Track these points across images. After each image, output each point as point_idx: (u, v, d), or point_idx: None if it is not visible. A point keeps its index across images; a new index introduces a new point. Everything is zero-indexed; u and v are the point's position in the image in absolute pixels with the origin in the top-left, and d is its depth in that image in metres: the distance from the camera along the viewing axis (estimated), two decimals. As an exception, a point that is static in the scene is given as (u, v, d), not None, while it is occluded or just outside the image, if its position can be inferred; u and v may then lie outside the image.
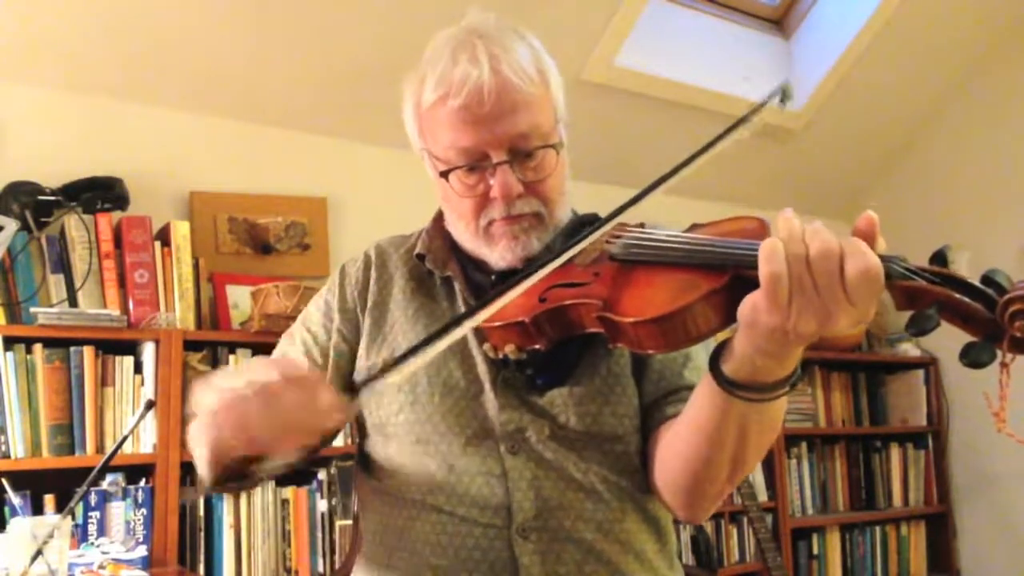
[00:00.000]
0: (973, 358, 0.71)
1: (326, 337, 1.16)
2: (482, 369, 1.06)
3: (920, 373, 3.68)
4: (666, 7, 3.10)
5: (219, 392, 0.79)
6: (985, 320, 0.72)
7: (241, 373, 0.80)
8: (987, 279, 0.72)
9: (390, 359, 0.86)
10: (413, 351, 0.85)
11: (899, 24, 3.21)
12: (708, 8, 3.25)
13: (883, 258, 0.73)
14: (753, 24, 3.37)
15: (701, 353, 1.11)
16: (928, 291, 0.73)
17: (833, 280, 0.72)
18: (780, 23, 3.46)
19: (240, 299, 2.46)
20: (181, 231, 2.35)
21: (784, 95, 0.91)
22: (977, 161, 3.64)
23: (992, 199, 3.58)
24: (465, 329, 0.88)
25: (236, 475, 0.98)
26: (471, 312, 0.87)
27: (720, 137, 0.90)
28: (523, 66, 1.02)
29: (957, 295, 0.72)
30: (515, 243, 1.05)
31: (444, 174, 1.05)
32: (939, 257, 0.75)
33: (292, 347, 1.17)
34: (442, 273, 1.13)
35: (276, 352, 1.19)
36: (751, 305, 0.77)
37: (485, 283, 1.11)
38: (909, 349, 3.67)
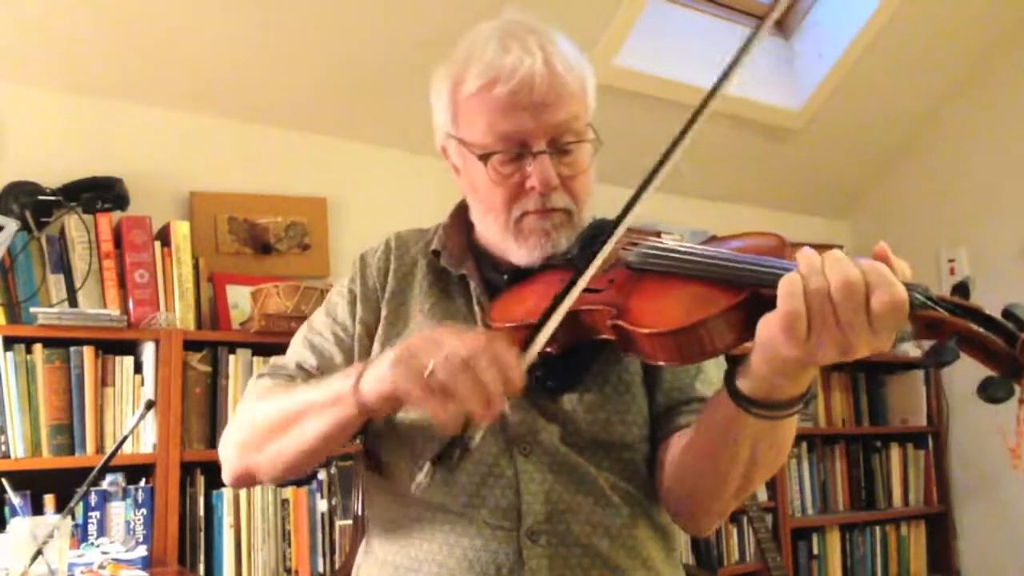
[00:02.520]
0: (991, 393, 0.71)
1: (353, 327, 1.15)
2: None
3: (920, 373, 3.67)
4: (666, 7, 3.10)
5: (423, 370, 0.81)
6: (1004, 355, 0.71)
7: (435, 344, 0.82)
8: (1008, 313, 0.72)
9: None
10: (546, 317, 0.86)
11: (899, 24, 3.21)
12: (708, 8, 3.25)
13: (904, 286, 0.73)
14: (753, 24, 3.36)
15: (713, 366, 1.11)
16: (949, 323, 0.72)
17: (857, 313, 0.72)
18: (780, 23, 3.46)
19: (240, 299, 2.46)
20: (181, 231, 2.35)
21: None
22: (977, 161, 3.64)
23: (992, 199, 3.57)
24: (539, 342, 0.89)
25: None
26: (545, 318, 0.88)
27: (742, 50, 0.88)
28: (570, 61, 1.04)
29: (976, 327, 0.71)
30: (546, 240, 1.05)
31: (484, 158, 1.04)
32: (961, 288, 0.74)
33: (321, 339, 1.15)
34: (457, 271, 1.13)
35: (296, 346, 1.17)
36: (770, 336, 0.77)
37: (499, 282, 1.10)
38: (909, 349, 3.67)
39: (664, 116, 3.21)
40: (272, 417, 1.05)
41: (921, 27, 3.29)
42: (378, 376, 0.87)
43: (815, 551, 3.33)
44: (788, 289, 0.74)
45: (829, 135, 3.58)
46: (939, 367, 0.73)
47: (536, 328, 0.87)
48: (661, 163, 0.89)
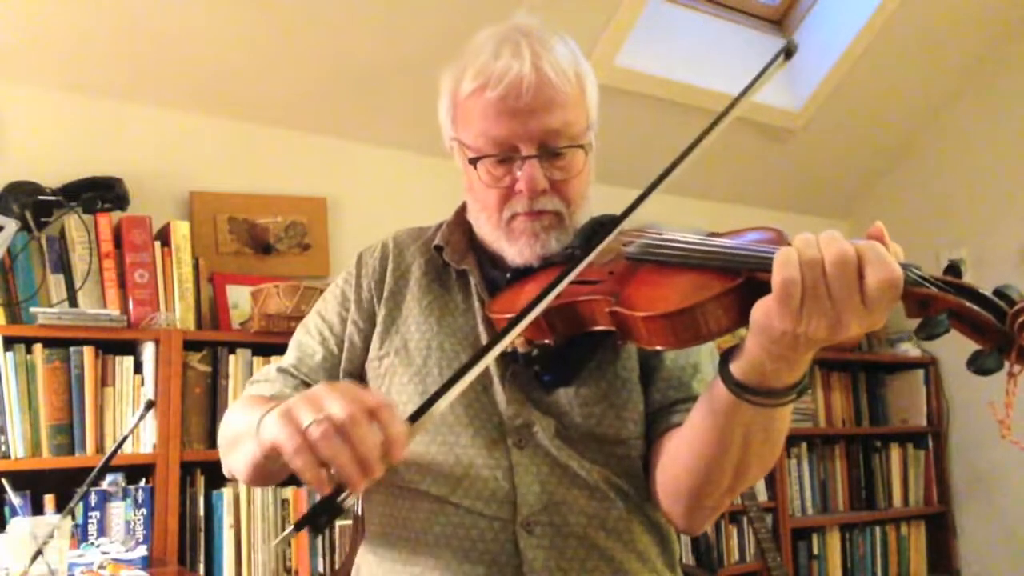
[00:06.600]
0: (980, 365, 0.72)
1: (341, 327, 1.17)
2: (492, 362, 1.06)
3: (920, 373, 3.68)
4: (666, 7, 3.10)
5: (300, 428, 0.77)
6: (994, 330, 0.72)
7: (317, 402, 0.78)
8: (999, 292, 0.73)
9: (434, 392, 0.84)
10: (449, 384, 0.83)
11: (899, 24, 3.21)
12: (708, 8, 3.25)
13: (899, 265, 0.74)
14: (753, 24, 3.37)
15: (710, 365, 1.12)
16: (941, 299, 0.74)
17: (850, 287, 0.73)
18: (780, 23, 3.46)
19: (240, 299, 2.46)
20: (181, 231, 2.35)
21: (788, 51, 0.93)
22: (977, 161, 3.64)
23: (992, 199, 3.58)
24: (490, 358, 0.86)
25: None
26: (504, 333, 0.87)
27: (732, 104, 0.91)
28: (562, 66, 1.04)
29: (968, 304, 0.73)
30: (535, 241, 1.06)
31: (473, 161, 1.07)
32: (953, 269, 0.76)
33: (308, 336, 1.18)
34: (458, 266, 1.14)
35: (292, 342, 1.20)
36: (764, 310, 0.78)
37: (500, 280, 1.12)
38: (909, 349, 3.67)
39: (664, 116, 3.22)
40: (229, 433, 1.09)
41: (921, 27, 3.29)
42: (270, 422, 0.85)
43: (815, 551, 3.33)
44: (783, 259, 0.75)
45: (829, 135, 3.58)
46: (929, 339, 0.74)
47: (522, 313, 0.86)
48: (670, 169, 0.90)
